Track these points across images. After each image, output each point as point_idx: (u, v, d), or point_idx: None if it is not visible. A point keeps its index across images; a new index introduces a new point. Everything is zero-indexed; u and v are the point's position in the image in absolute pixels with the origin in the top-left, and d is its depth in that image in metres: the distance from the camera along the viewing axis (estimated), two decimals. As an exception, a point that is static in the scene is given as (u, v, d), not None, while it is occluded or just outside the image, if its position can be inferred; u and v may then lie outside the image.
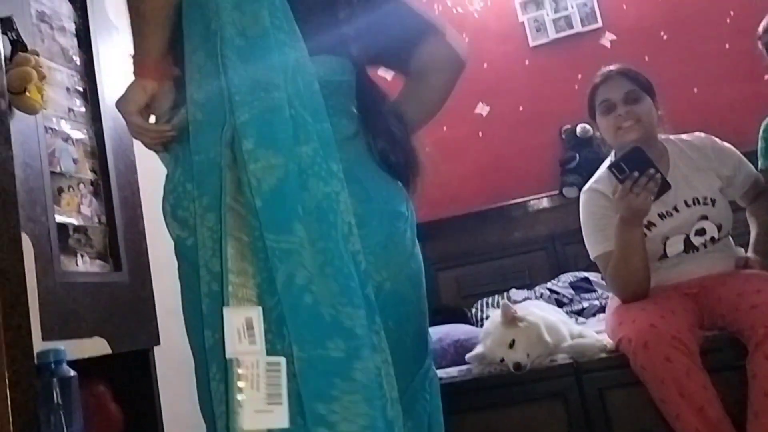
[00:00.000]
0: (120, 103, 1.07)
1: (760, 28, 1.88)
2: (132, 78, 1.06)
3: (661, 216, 1.76)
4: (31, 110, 1.57)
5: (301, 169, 0.95)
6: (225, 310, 0.89)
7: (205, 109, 0.99)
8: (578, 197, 1.96)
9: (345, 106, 1.11)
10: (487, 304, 2.99)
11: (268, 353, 0.90)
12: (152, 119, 1.08)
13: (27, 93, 1.52)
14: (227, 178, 0.95)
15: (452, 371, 1.95)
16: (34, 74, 1.53)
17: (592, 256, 1.86)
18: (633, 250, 1.69)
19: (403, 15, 1.21)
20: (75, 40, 1.90)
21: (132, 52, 1.05)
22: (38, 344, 1.49)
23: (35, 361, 1.39)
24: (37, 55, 1.60)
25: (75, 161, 1.78)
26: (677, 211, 1.76)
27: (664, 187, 1.63)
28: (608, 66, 1.92)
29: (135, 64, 1.05)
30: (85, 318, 1.65)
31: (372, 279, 1.00)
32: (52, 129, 1.72)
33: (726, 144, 1.91)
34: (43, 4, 1.78)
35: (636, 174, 1.60)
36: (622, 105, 1.81)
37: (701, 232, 1.77)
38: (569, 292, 2.89)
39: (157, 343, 1.89)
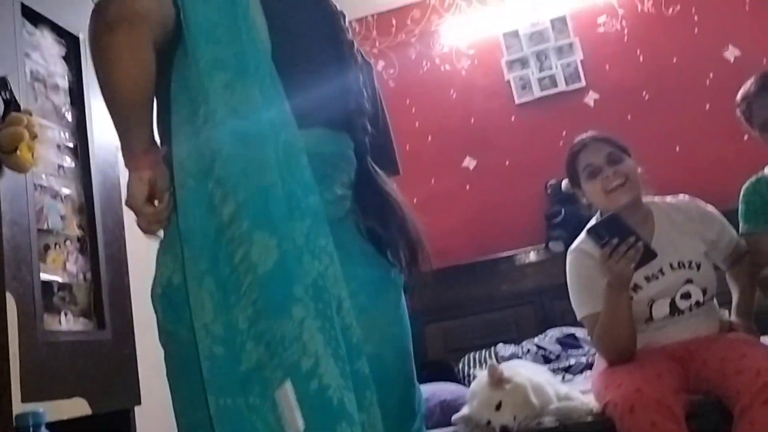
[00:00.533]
0: (128, 202, 1.07)
1: (738, 97, 1.94)
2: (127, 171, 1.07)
3: (647, 279, 1.78)
4: (21, 169, 1.58)
5: (297, 246, 0.96)
6: (287, 385, 0.90)
7: (196, 177, 0.99)
8: (564, 252, 1.97)
9: (337, 179, 1.12)
10: (474, 359, 2.98)
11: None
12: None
13: (18, 152, 1.54)
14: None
15: (438, 433, 1.93)
16: (26, 134, 1.55)
17: (578, 317, 1.86)
18: (619, 315, 1.69)
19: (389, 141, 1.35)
20: (68, 97, 1.92)
21: (119, 146, 1.06)
22: (18, 406, 1.46)
23: (14, 424, 1.37)
24: (30, 114, 1.62)
25: (63, 218, 1.78)
26: (663, 274, 1.77)
27: (649, 255, 1.63)
28: (582, 135, 1.94)
29: (125, 158, 1.06)
30: (66, 378, 1.62)
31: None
32: (41, 186, 1.72)
33: (710, 207, 1.93)
34: (38, 64, 1.81)
35: (615, 241, 1.61)
36: (607, 166, 1.82)
37: (686, 295, 1.78)
38: (556, 348, 2.89)
39: (138, 402, 1.86)
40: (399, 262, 1.15)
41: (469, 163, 3.75)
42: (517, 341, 3.09)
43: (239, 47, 1.00)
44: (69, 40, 1.96)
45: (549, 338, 2.96)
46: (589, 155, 1.86)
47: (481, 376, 1.87)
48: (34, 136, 1.59)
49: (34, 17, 1.83)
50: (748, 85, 1.90)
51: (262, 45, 1.04)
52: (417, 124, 3.84)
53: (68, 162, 1.87)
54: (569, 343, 2.90)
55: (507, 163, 3.68)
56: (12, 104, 1.59)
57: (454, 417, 1.90)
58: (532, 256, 3.48)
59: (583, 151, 1.88)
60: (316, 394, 0.90)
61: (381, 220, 1.15)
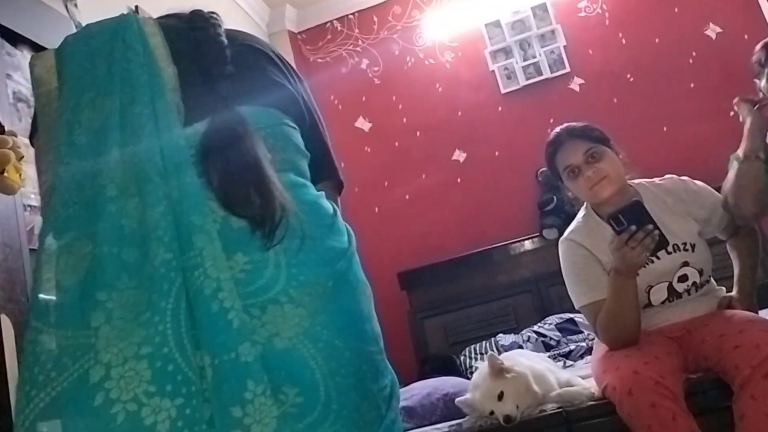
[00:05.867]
0: None
1: (759, 45, 1.91)
2: None
3: (644, 264, 1.77)
4: (9, 191, 1.57)
5: (144, 236, 0.93)
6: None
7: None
8: (558, 239, 1.97)
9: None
10: (475, 350, 2.99)
11: None
12: None
13: (5, 174, 1.53)
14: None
15: (443, 427, 1.94)
16: (12, 156, 1.54)
17: (577, 306, 1.85)
18: (626, 302, 1.69)
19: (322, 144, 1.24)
20: (52, 116, 1.91)
21: None
22: (20, 427, 1.47)
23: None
24: (15, 135, 1.61)
25: (54, 236, 1.78)
26: (658, 258, 1.76)
27: (662, 243, 1.63)
28: (557, 129, 1.90)
29: None
30: (68, 396, 1.62)
31: (257, 337, 0.94)
32: (30, 206, 1.72)
33: (699, 183, 1.92)
34: (19, 84, 1.80)
35: (633, 228, 1.60)
36: (586, 166, 1.81)
37: (683, 278, 1.78)
38: (556, 334, 2.91)
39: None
40: (252, 210, 1.01)
41: (459, 156, 3.76)
42: (516, 330, 3.11)
43: (110, 62, 1.03)
44: (50, 59, 1.95)
45: (548, 325, 2.98)
46: (567, 156, 1.84)
47: (482, 367, 1.88)
48: (20, 157, 1.58)
49: (13, 37, 1.82)
50: None
51: (137, 58, 1.04)
52: (405, 120, 3.85)
53: (56, 180, 1.86)
54: (568, 328, 2.92)
55: (497, 153, 3.70)
56: (-4, 126, 1.59)
57: (458, 400, 1.90)
58: (527, 245, 3.50)
59: (560, 151, 1.86)
60: (99, 410, 0.85)
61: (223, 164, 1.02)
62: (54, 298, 0.91)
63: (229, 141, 1.02)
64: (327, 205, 1.14)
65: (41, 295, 0.92)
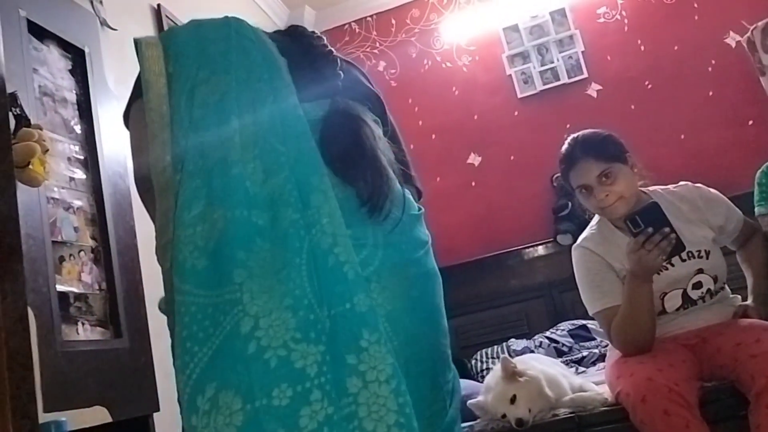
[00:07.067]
0: None
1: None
2: None
3: (658, 271, 1.77)
4: (34, 183, 1.59)
5: (272, 200, 1.00)
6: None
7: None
8: (572, 245, 1.97)
9: None
10: (486, 355, 2.99)
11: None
12: None
13: (30, 166, 1.55)
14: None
15: (454, 428, 1.94)
16: (38, 148, 1.56)
17: (590, 312, 1.85)
18: (641, 306, 1.68)
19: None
20: (76, 110, 1.94)
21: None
22: (40, 416, 1.48)
23: (37, 434, 1.39)
24: (40, 128, 1.64)
25: (76, 229, 1.80)
26: (673, 265, 1.76)
27: (679, 248, 1.62)
28: (570, 140, 1.88)
29: None
30: (86, 387, 1.64)
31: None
32: (53, 199, 1.74)
33: (713, 191, 1.92)
34: (45, 78, 1.83)
35: (650, 230, 1.59)
36: (599, 187, 1.79)
37: (698, 285, 1.77)
38: (568, 340, 2.90)
39: (157, 409, 1.88)
40: (364, 184, 1.09)
41: (474, 159, 3.77)
42: (528, 335, 3.10)
43: (226, 46, 1.10)
44: (75, 54, 1.98)
45: (561, 331, 2.98)
46: (580, 176, 1.82)
47: (495, 369, 1.88)
48: (45, 150, 1.60)
49: (40, 33, 1.85)
50: None
51: (252, 44, 1.12)
52: (420, 122, 3.85)
53: (79, 174, 1.89)
54: (581, 335, 2.91)
55: (512, 158, 3.70)
56: (22, 119, 1.60)
57: (470, 402, 1.90)
58: (541, 250, 3.50)
59: (573, 170, 1.84)
60: (252, 357, 0.91)
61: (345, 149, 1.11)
62: (197, 262, 0.96)
63: (353, 126, 1.11)
64: (413, 201, 1.22)
65: (186, 260, 0.97)
